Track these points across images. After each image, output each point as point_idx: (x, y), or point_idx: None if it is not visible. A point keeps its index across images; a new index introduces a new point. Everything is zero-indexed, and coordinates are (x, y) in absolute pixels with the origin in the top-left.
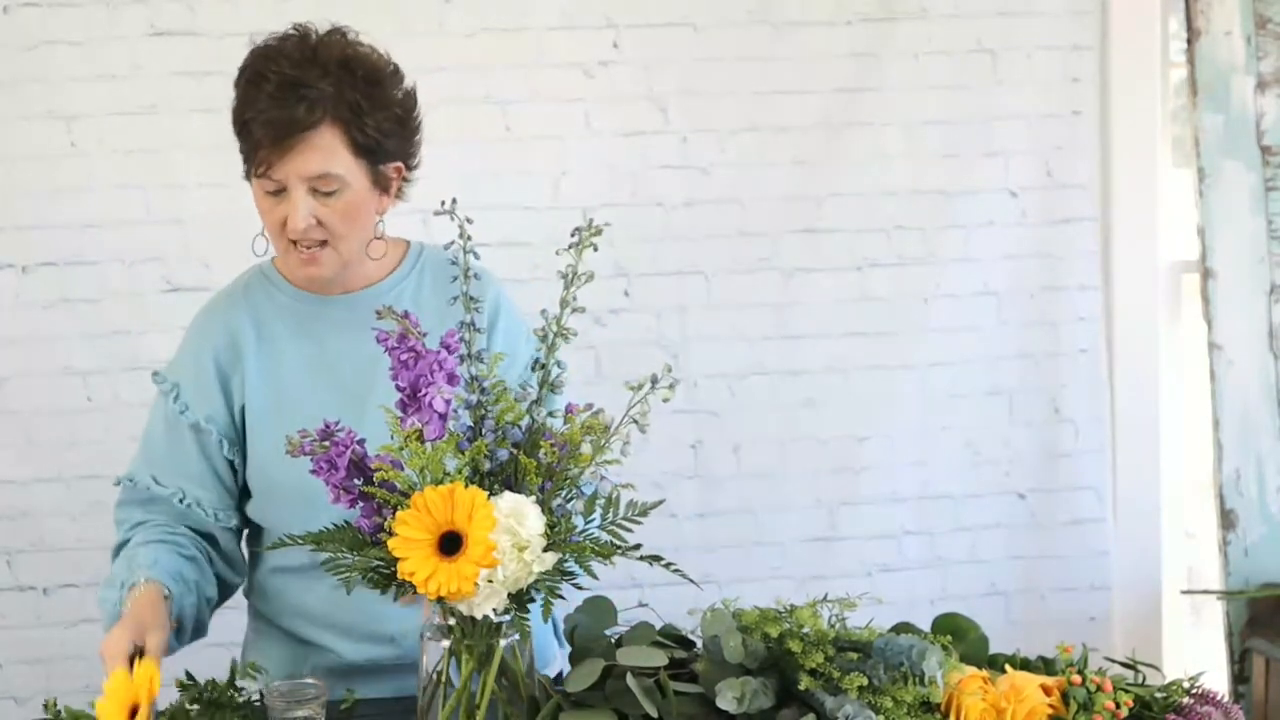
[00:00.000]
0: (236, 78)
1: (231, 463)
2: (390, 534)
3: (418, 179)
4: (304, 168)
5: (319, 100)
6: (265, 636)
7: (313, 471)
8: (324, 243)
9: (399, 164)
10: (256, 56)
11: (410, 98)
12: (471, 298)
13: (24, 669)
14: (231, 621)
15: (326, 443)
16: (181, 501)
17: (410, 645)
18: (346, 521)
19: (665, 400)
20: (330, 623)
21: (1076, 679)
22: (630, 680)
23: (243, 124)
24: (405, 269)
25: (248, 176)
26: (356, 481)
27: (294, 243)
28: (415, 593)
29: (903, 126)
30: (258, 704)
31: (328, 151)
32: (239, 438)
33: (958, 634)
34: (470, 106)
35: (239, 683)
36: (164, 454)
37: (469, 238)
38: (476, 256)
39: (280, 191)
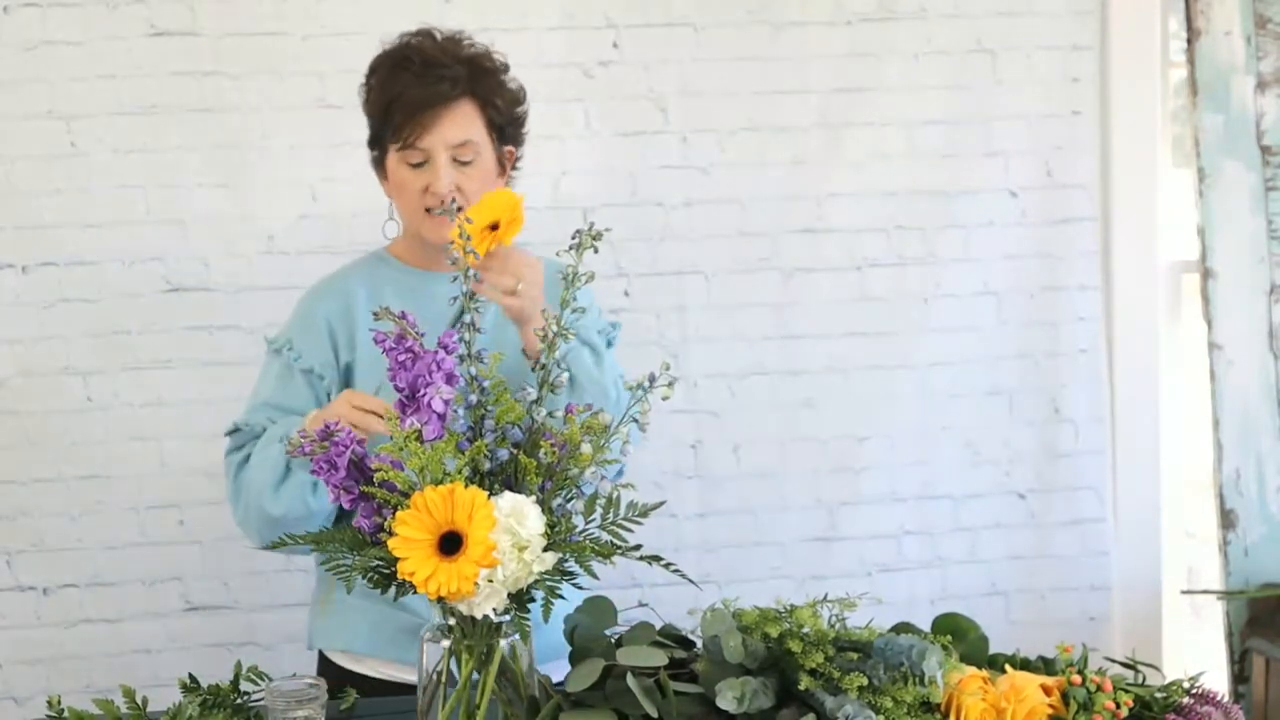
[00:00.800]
0: (372, 70)
1: None
2: (390, 534)
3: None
4: (449, 135)
5: (458, 79)
6: (340, 604)
7: (313, 472)
8: (459, 209)
9: (512, 148)
10: (393, 50)
11: (522, 91)
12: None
13: (24, 669)
14: (233, 622)
15: (326, 443)
16: None
17: None
18: (347, 521)
19: (665, 399)
20: None
21: (1076, 679)
22: (630, 680)
23: (388, 104)
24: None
25: (379, 162)
26: (356, 482)
27: (428, 211)
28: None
29: (903, 126)
30: (260, 705)
31: (467, 122)
32: (343, 390)
33: (958, 634)
34: None
35: (241, 685)
36: (278, 399)
37: (469, 237)
38: (478, 257)
39: (422, 164)
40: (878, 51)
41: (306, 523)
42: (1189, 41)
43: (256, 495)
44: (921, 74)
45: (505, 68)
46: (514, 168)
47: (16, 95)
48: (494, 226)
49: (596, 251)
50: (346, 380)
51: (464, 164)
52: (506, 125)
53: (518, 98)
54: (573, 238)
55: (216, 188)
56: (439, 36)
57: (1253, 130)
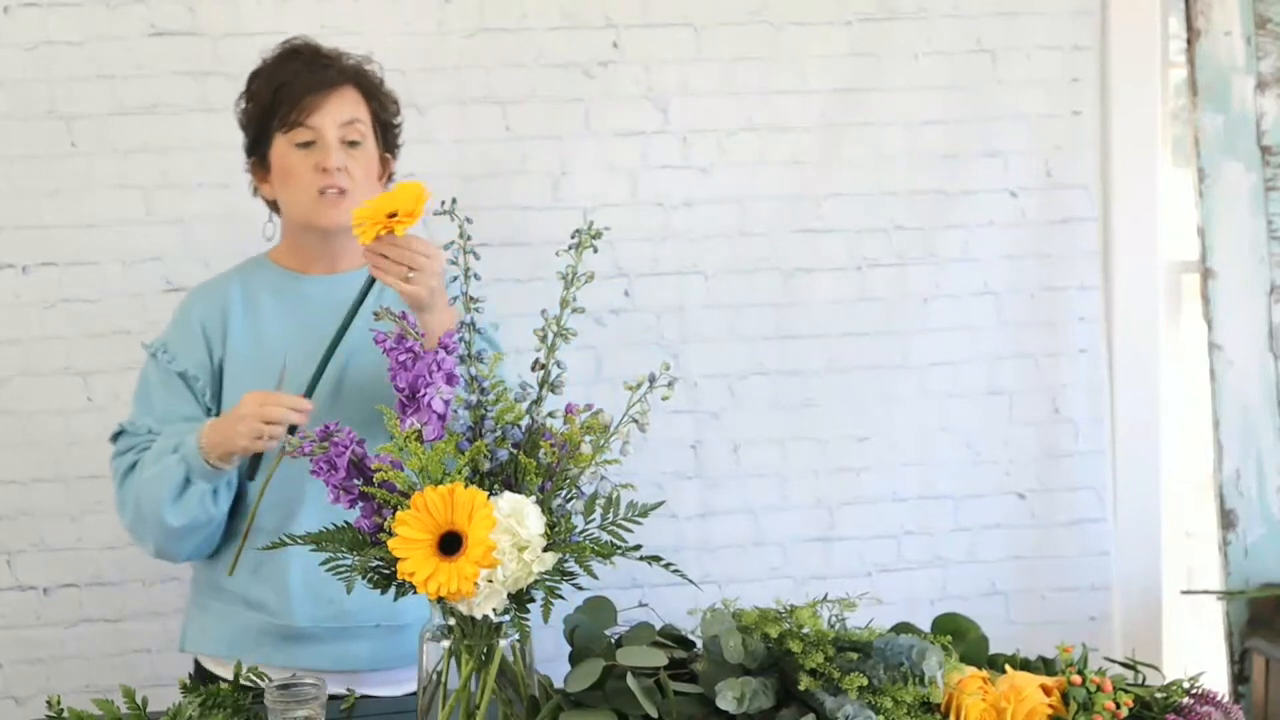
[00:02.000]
0: (255, 73)
1: (209, 411)
2: (390, 534)
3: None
4: (337, 112)
5: (344, 70)
6: (205, 609)
7: (313, 472)
8: (343, 192)
9: (389, 156)
10: (278, 51)
11: (399, 107)
12: (472, 298)
13: (24, 669)
14: None
15: (326, 443)
16: None
17: (350, 607)
18: (346, 522)
19: (665, 399)
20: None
21: (1076, 679)
22: (630, 680)
23: (275, 89)
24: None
25: (259, 165)
26: (356, 482)
27: (319, 193)
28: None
29: (903, 126)
30: (259, 704)
31: (355, 105)
32: (218, 389)
33: (958, 634)
34: (470, 106)
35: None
36: (161, 404)
37: (469, 237)
38: (477, 257)
39: (309, 144)
40: (878, 51)
41: (205, 529)
42: (1189, 41)
43: (153, 507)
44: (921, 74)
45: (382, 80)
46: (389, 179)
47: (16, 95)
48: (391, 215)
49: (596, 251)
50: (220, 377)
51: (351, 146)
52: (387, 128)
53: (396, 107)
54: (572, 237)
55: (216, 188)
56: (325, 48)
57: (1253, 130)
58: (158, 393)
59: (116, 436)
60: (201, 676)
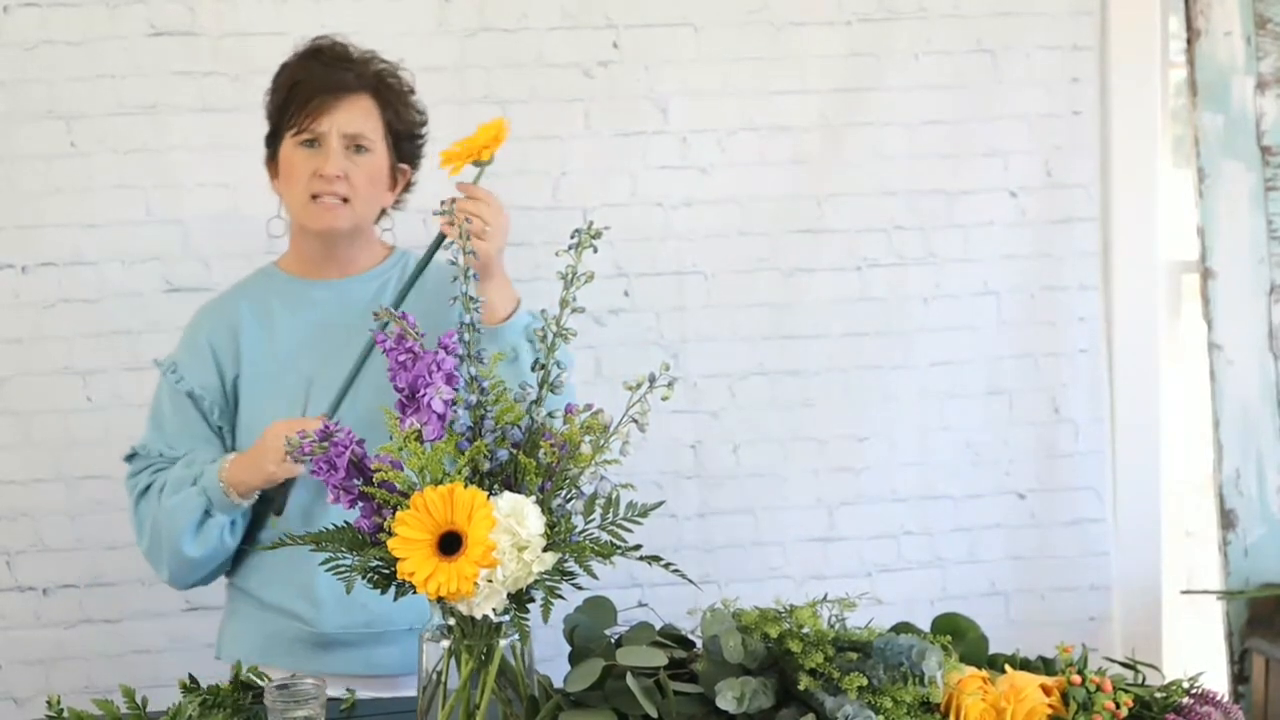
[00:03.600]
0: (282, 66)
1: (220, 429)
2: (390, 534)
3: (413, 191)
4: (343, 122)
5: (364, 76)
6: (239, 616)
7: (313, 472)
8: (345, 200)
9: (407, 167)
10: (305, 48)
11: (425, 116)
12: (471, 297)
13: (24, 669)
14: None
15: (326, 444)
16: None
17: (380, 611)
18: (346, 522)
19: (665, 399)
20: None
21: (1076, 679)
22: (630, 680)
23: (290, 87)
24: (385, 267)
25: (272, 158)
26: (356, 481)
27: (315, 197)
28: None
29: (903, 126)
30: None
31: (364, 115)
32: (230, 408)
33: (957, 634)
34: (470, 106)
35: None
36: (172, 424)
37: (468, 237)
38: (476, 257)
39: (314, 144)
40: (878, 51)
41: (219, 560)
42: (1189, 41)
43: (172, 537)
44: (921, 74)
45: (411, 90)
46: (406, 189)
47: (16, 95)
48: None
49: (596, 251)
50: (235, 395)
51: (357, 152)
52: (404, 138)
53: (420, 118)
54: (572, 237)
55: (216, 188)
56: (353, 50)
57: (1253, 130)
58: (168, 414)
59: (130, 458)
60: (239, 684)
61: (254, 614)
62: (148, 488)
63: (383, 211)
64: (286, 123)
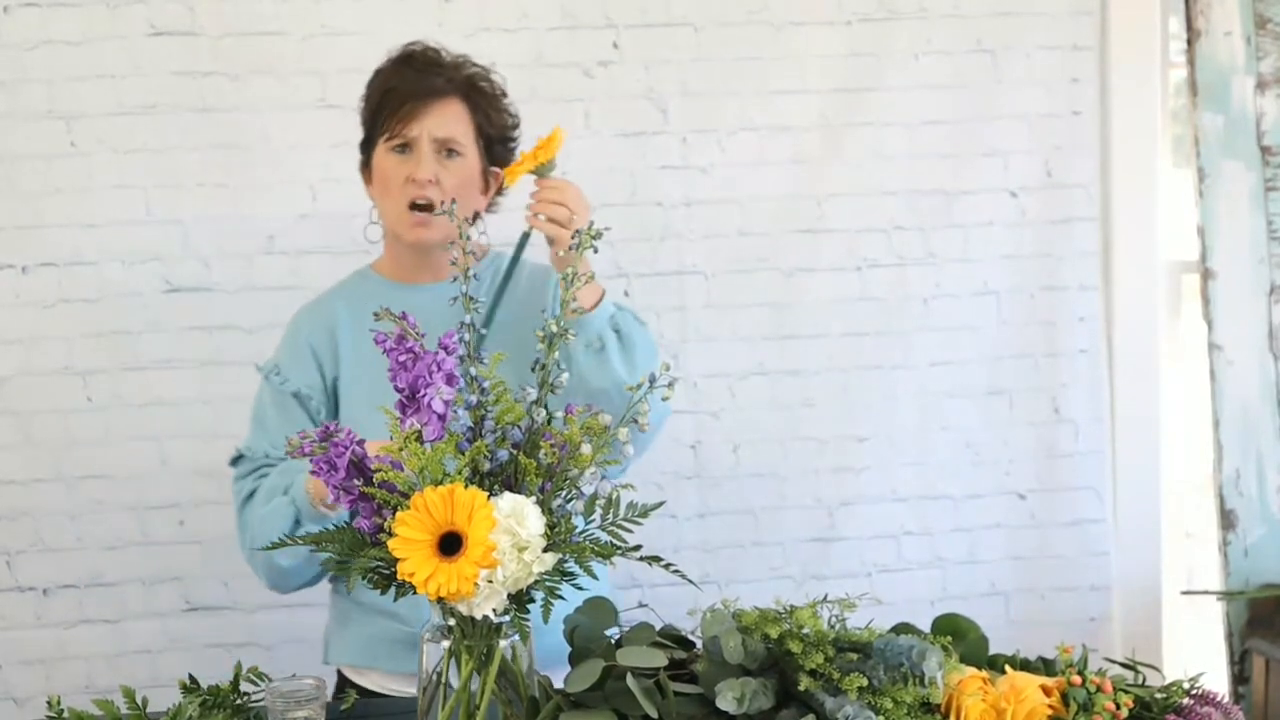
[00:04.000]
0: (376, 72)
1: None
2: (390, 534)
3: (506, 194)
4: (434, 127)
5: (455, 80)
6: (344, 619)
7: (313, 472)
8: (431, 208)
9: (499, 170)
10: (398, 54)
11: (517, 121)
12: (471, 298)
13: (24, 669)
14: (233, 622)
15: (325, 444)
16: None
17: None
18: (346, 522)
19: (665, 399)
20: None
21: (1076, 679)
22: (630, 681)
23: (383, 93)
24: (478, 270)
25: (366, 164)
26: (356, 482)
27: (409, 208)
28: None
29: (903, 126)
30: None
31: (455, 119)
32: (334, 407)
33: (958, 634)
34: None
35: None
36: (275, 425)
37: (468, 238)
38: (477, 258)
39: (406, 149)
40: (878, 51)
41: (314, 568)
42: (1189, 42)
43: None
44: (921, 74)
45: (504, 93)
46: (500, 192)
47: (16, 95)
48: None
49: (596, 251)
50: (335, 396)
51: (449, 155)
52: (496, 142)
53: (512, 121)
54: (572, 237)
55: (216, 188)
56: (445, 54)
57: (1253, 130)
58: (271, 415)
59: (235, 461)
60: (342, 687)
61: (356, 616)
62: (251, 494)
63: (476, 215)
64: (379, 129)
